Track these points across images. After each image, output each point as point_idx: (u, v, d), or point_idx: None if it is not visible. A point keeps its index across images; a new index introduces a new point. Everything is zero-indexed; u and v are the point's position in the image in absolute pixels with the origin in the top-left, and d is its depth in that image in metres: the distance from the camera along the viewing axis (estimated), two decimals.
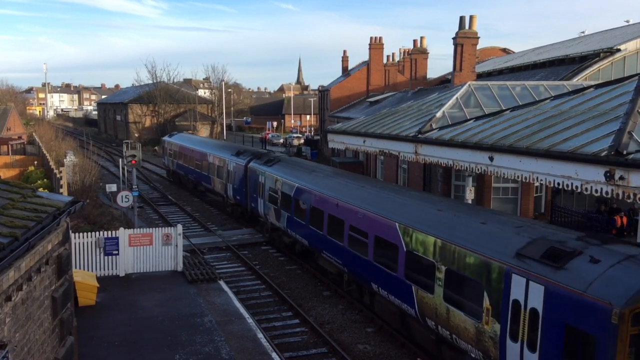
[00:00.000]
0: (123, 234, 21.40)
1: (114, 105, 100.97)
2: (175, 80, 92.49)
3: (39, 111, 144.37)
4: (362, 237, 17.84)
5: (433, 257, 14.11)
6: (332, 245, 20.18)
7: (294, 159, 29.83)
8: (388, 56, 61.48)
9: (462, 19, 31.16)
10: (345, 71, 68.68)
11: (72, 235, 19.35)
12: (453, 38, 31.66)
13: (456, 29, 31.40)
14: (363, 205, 18.16)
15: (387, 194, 18.54)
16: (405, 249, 15.34)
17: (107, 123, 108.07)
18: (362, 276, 18.36)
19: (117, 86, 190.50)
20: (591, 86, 16.38)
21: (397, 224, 15.86)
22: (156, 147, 77.07)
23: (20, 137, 59.32)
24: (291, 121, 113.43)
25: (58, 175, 30.77)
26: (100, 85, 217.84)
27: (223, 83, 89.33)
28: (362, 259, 17.85)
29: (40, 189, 13.97)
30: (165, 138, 51.20)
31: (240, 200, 31.49)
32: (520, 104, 19.52)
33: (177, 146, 45.65)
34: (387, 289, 16.59)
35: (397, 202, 17.33)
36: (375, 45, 58.66)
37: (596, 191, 10.81)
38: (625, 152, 10.39)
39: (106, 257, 21.17)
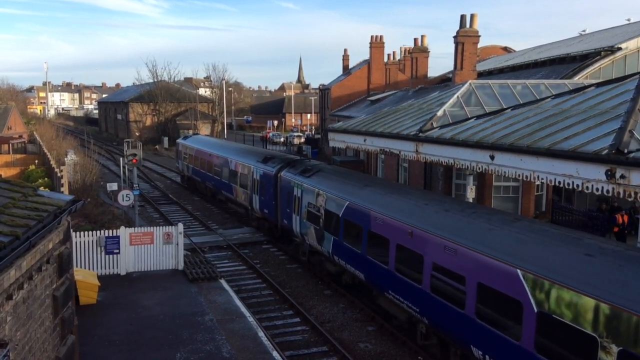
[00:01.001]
0: (124, 232, 21.42)
1: (114, 104, 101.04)
2: (176, 79, 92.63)
3: (40, 110, 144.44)
4: (454, 281, 13.71)
5: (593, 329, 9.97)
6: (402, 285, 16.04)
7: (337, 169, 25.79)
8: (389, 55, 61.44)
9: (462, 17, 31.13)
10: (346, 70, 68.66)
11: (73, 234, 19.36)
12: (454, 37, 31.63)
13: (457, 27, 31.37)
14: (457, 239, 13.80)
15: (488, 223, 13.84)
16: (535, 310, 11.16)
17: (107, 122, 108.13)
18: (454, 333, 14.14)
19: (117, 85, 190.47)
20: (592, 85, 16.37)
21: (520, 271, 11.58)
22: (157, 146, 77.16)
23: (21, 136, 59.35)
24: (292, 120, 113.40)
25: (59, 174, 30.79)
26: (101, 84, 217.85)
27: (224, 82, 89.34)
28: (456, 311, 13.64)
29: (41, 188, 13.98)
30: (180, 141, 46.92)
31: (268, 215, 27.66)
32: (521, 102, 19.51)
33: (193, 150, 41.39)
34: None
35: (512, 237, 12.78)
36: (376, 43, 58.61)
37: (597, 190, 10.81)
38: (626, 151, 10.38)
39: (107, 256, 21.19)
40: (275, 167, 27.09)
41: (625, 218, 24.13)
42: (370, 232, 17.67)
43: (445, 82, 45.26)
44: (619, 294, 9.75)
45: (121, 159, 36.65)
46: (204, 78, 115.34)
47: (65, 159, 40.68)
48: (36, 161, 43.59)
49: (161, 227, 22.29)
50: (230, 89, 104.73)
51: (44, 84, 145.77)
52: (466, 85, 22.81)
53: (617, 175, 10.30)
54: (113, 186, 30.82)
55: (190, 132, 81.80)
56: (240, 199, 31.72)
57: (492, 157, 14.33)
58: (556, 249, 11.65)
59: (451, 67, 34.92)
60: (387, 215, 16.93)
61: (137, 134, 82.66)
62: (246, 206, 31.07)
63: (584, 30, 48.03)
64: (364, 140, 22.05)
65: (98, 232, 21.36)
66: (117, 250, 21.22)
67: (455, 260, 13.62)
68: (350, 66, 68.79)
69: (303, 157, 54.40)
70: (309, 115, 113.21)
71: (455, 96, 21.69)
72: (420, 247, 15.02)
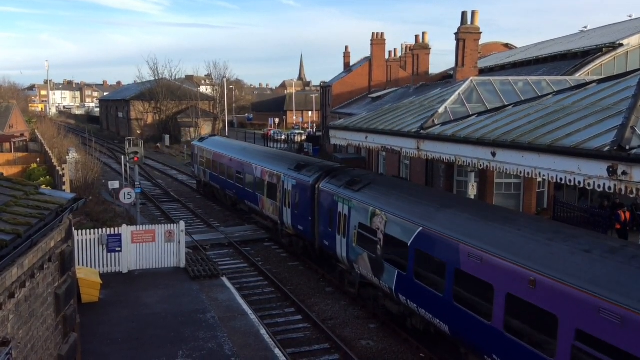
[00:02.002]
0: (126, 230, 21.44)
1: (116, 102, 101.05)
2: (177, 77, 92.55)
3: (41, 108, 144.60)
4: None
5: None
6: (518, 353, 11.76)
7: (392, 181, 21.17)
8: (390, 52, 61.43)
9: (464, 14, 31.07)
10: (347, 67, 68.60)
11: (74, 232, 19.37)
12: (455, 33, 31.57)
13: (458, 24, 31.32)
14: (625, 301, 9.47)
15: None
16: None
17: (109, 120, 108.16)
18: None
19: (119, 83, 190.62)
20: (593, 81, 16.33)
21: None
22: (158, 144, 77.17)
23: (22, 135, 59.35)
24: (293, 118, 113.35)
25: (60, 173, 30.80)
26: (102, 82, 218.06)
27: (225, 80, 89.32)
28: None
29: (43, 186, 13.99)
30: (195, 143, 42.64)
31: (303, 233, 23.90)
32: (523, 99, 19.47)
33: (210, 153, 37.46)
34: None
35: None
36: (377, 41, 58.55)
37: (599, 186, 10.79)
38: (628, 147, 10.36)
39: (109, 254, 21.23)
40: (311, 176, 23.23)
41: (627, 215, 24.10)
42: (460, 272, 13.59)
43: (447, 79, 45.22)
44: None
45: (123, 157, 36.66)
46: (205, 76, 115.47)
47: (67, 157, 40.69)
48: (38, 159, 43.60)
49: (163, 225, 22.31)
50: (231, 86, 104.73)
51: (46, 82, 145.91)
52: (467, 82, 22.77)
53: (619, 171, 10.28)
54: (115, 184, 30.83)
55: (195, 130, 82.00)
56: (268, 211, 27.68)
57: (493, 154, 14.31)
58: None
59: (452, 64, 34.88)
60: (488, 251, 12.73)
61: (138, 132, 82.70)
62: (275, 220, 26.96)
63: (585, 27, 47.93)
64: (365, 138, 22.01)
65: (100, 230, 21.39)
66: (119, 248, 21.25)
67: (627, 334, 9.21)
68: (352, 63, 68.72)
69: (305, 154, 54.32)
70: (310, 112, 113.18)
71: (457, 93, 21.66)
72: (554, 304, 10.74)
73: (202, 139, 42.36)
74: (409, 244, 15.74)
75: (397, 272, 16.43)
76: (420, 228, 15.32)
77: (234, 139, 47.55)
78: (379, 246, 17.49)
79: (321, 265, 23.36)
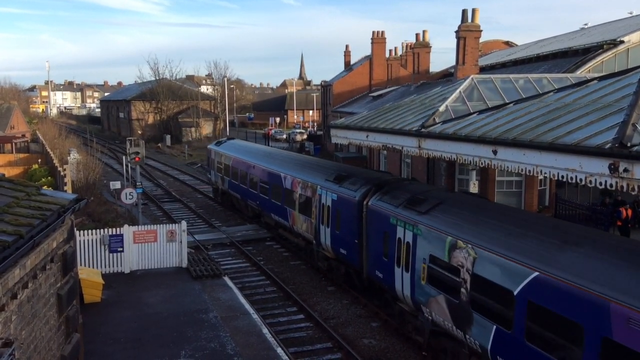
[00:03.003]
0: (127, 231, 21.46)
1: (116, 103, 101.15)
2: (177, 77, 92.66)
3: (42, 109, 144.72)
4: None
5: None
6: None
7: (472, 200, 16.81)
8: (390, 50, 61.40)
9: (464, 12, 31.06)
10: (348, 66, 68.59)
11: (76, 232, 19.40)
12: (456, 31, 31.56)
13: (458, 22, 31.32)
14: None
15: None
16: None
17: (110, 120, 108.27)
18: None
19: (119, 83, 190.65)
20: (594, 78, 16.30)
21: None
22: (159, 144, 77.22)
23: (23, 135, 59.46)
24: (294, 117, 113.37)
25: (62, 173, 30.84)
26: (102, 83, 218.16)
27: (225, 79, 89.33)
28: None
29: (44, 187, 14.01)
30: (212, 147, 38.71)
31: (347, 258, 20.21)
32: (524, 97, 19.44)
33: (229, 159, 34.04)
34: None
35: None
36: (378, 39, 58.53)
37: (600, 184, 10.77)
38: (629, 144, 10.34)
39: (111, 254, 21.26)
40: (357, 190, 19.66)
41: (629, 212, 24.09)
42: (610, 343, 9.66)
43: (447, 77, 45.20)
44: None
45: (124, 157, 36.70)
46: (206, 75, 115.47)
47: (68, 157, 40.77)
48: (39, 160, 43.69)
49: (164, 225, 22.34)
50: (232, 86, 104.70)
51: (46, 82, 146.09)
52: (468, 80, 22.76)
53: (621, 168, 10.26)
54: (116, 184, 30.88)
55: (196, 130, 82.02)
56: (300, 228, 23.99)
57: (494, 152, 14.29)
58: None
59: (453, 62, 34.86)
60: None
61: (139, 132, 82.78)
62: (308, 239, 23.38)
63: (586, 24, 47.89)
64: (366, 137, 21.98)
65: (102, 230, 21.42)
66: (121, 249, 21.28)
67: None
68: (352, 62, 68.73)
69: (305, 153, 53.59)
70: (311, 111, 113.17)
71: (458, 91, 21.65)
72: None
73: (219, 143, 38.57)
74: (515, 293, 11.80)
75: (494, 327, 12.48)
76: (536, 273, 11.41)
77: (255, 143, 41.86)
78: (463, 289, 13.39)
79: (370, 297, 19.64)
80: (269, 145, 64.94)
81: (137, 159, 26.94)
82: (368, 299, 19.60)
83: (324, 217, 21.63)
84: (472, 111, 18.87)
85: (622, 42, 32.84)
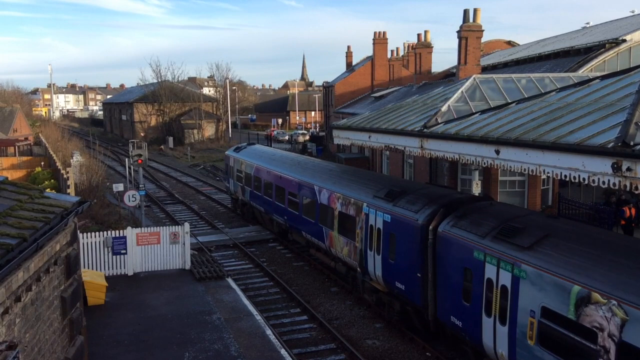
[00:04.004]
0: (131, 233, 21.49)
1: (119, 105, 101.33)
2: (179, 79, 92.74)
3: (45, 112, 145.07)
4: None
5: None
6: None
7: (590, 231, 13.34)
8: (392, 51, 61.37)
9: (466, 12, 31.06)
10: (350, 67, 68.62)
11: (80, 235, 19.45)
12: (457, 31, 31.55)
13: (460, 22, 31.32)
14: None
15: None
16: None
17: (112, 123, 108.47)
18: None
19: (122, 86, 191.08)
20: (597, 77, 16.27)
21: None
22: (162, 146, 77.32)
23: (26, 138, 59.59)
24: (296, 118, 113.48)
25: (65, 176, 30.88)
26: (105, 85, 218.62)
27: (227, 81, 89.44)
28: None
29: (48, 190, 14.04)
30: (231, 153, 35.22)
31: (405, 294, 16.51)
32: (526, 96, 19.43)
33: (250, 166, 30.77)
34: None
35: None
36: (379, 40, 58.53)
37: (603, 183, 10.75)
38: (632, 143, 10.32)
39: (114, 257, 21.28)
40: (420, 212, 15.99)
41: (633, 211, 24.05)
42: None
43: (449, 77, 45.18)
44: None
45: (127, 159, 36.76)
46: (208, 77, 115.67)
47: (71, 160, 40.81)
48: (42, 163, 43.75)
49: (168, 227, 22.36)
50: (234, 87, 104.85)
51: (49, 85, 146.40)
52: (470, 80, 22.75)
53: (624, 168, 10.24)
54: (119, 187, 30.92)
55: (199, 132, 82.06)
56: (340, 252, 20.59)
57: (497, 152, 14.28)
58: None
59: (455, 62, 34.84)
60: None
61: (142, 134, 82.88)
62: (351, 265, 19.99)
63: (587, 23, 47.80)
64: (369, 137, 21.98)
65: (105, 232, 21.44)
66: (124, 251, 21.30)
67: None
68: (354, 63, 68.75)
69: (308, 153, 52.92)
70: (313, 112, 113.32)
71: (460, 91, 21.64)
72: None
73: (238, 149, 34.86)
74: None
75: None
76: None
77: (279, 149, 38.19)
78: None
79: (434, 344, 16.29)
80: (271, 146, 64.85)
81: (139, 161, 26.97)
82: (432, 344, 16.24)
83: (373, 242, 18.03)
84: (474, 111, 18.85)
85: (624, 40, 32.81)
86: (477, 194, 20.05)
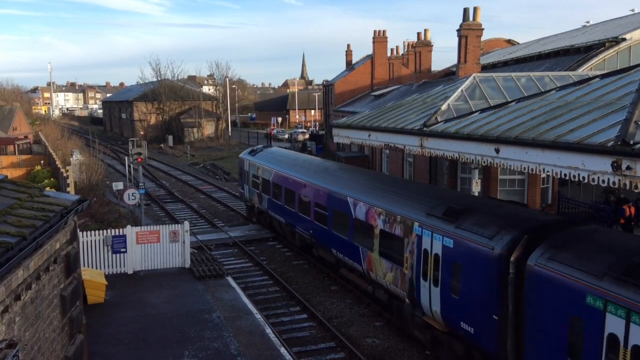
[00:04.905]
0: (130, 231, 21.49)
1: (119, 104, 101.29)
2: (179, 78, 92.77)
3: (45, 110, 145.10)
4: None
5: None
6: None
7: None
8: (392, 49, 61.36)
9: (466, 10, 31.04)
10: (349, 65, 68.60)
11: (79, 233, 19.45)
12: (457, 30, 31.54)
13: (460, 20, 31.30)
14: None
15: None
16: None
17: (112, 121, 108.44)
18: None
19: (121, 84, 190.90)
20: (597, 76, 16.27)
21: None
22: (162, 145, 77.29)
23: (26, 137, 59.58)
24: (296, 116, 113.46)
25: (64, 174, 30.88)
26: (105, 84, 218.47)
27: (227, 79, 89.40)
28: None
29: (47, 188, 14.03)
30: (245, 156, 32.23)
31: (475, 339, 13.53)
32: (526, 95, 19.43)
33: (268, 172, 27.85)
34: None
35: None
36: (379, 38, 58.51)
37: (603, 182, 10.76)
38: (631, 142, 10.32)
39: (114, 255, 21.29)
40: (496, 238, 12.91)
41: (632, 210, 24.06)
42: None
43: (449, 75, 45.16)
44: None
45: (126, 158, 36.75)
46: (208, 76, 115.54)
47: (71, 158, 40.81)
48: (42, 161, 43.74)
49: (167, 226, 22.36)
50: (233, 86, 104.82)
51: (49, 84, 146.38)
52: (470, 79, 22.75)
53: (623, 166, 10.24)
54: (119, 185, 30.92)
55: (199, 130, 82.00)
56: (382, 277, 17.55)
57: (497, 151, 14.29)
58: None
59: (454, 61, 34.84)
60: None
61: (141, 132, 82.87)
62: (397, 294, 16.95)
63: (587, 22, 47.83)
64: (368, 136, 21.99)
65: (105, 231, 21.45)
66: (124, 249, 21.31)
67: None
68: (354, 61, 68.74)
69: (307, 152, 52.50)
70: (312, 111, 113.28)
71: (459, 90, 21.64)
72: None
73: (253, 152, 32.02)
74: None
75: None
76: None
77: (300, 153, 34.40)
78: None
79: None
80: (271, 144, 64.71)
81: (139, 159, 26.96)
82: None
83: (428, 270, 15.01)
84: (474, 110, 18.85)
85: (624, 39, 32.80)
86: (514, 200, 18.59)
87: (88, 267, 20.43)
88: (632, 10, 44.21)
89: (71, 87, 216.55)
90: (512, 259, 12.20)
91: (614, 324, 9.92)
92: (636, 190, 10.19)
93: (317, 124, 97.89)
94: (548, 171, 12.61)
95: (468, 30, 30.97)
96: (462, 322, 13.78)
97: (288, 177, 25.36)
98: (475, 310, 13.30)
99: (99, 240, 21.07)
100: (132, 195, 25.98)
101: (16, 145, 51.55)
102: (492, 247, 12.74)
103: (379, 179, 20.99)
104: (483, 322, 13.10)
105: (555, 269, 11.12)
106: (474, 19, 30.94)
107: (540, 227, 12.81)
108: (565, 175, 11.87)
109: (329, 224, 21.10)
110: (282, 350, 15.12)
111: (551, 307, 11.21)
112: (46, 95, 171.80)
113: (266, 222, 29.61)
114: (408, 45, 65.35)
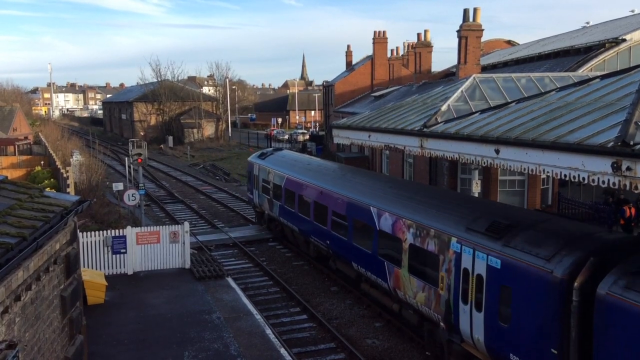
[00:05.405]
0: (130, 232, 21.49)
1: (119, 104, 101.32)
2: (179, 78, 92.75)
3: (45, 111, 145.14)
4: None
5: None
6: None
7: None
8: (392, 50, 61.35)
9: (466, 11, 31.06)
10: (349, 66, 68.61)
11: (79, 234, 19.44)
12: (457, 31, 31.55)
13: (460, 21, 31.32)
14: None
15: None
16: None
17: (112, 122, 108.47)
18: None
19: (122, 85, 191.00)
20: (597, 77, 16.27)
21: None
22: (162, 146, 77.30)
23: (26, 138, 59.58)
24: (296, 117, 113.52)
25: (64, 175, 30.87)
26: (105, 85, 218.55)
27: (227, 80, 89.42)
28: None
29: (47, 189, 14.04)
30: (254, 160, 30.70)
31: None
32: (526, 95, 19.43)
33: (280, 177, 26.30)
34: None
35: None
36: (379, 39, 58.53)
37: (603, 182, 10.75)
38: (632, 143, 10.32)
39: (114, 256, 21.29)
40: (556, 260, 11.30)
41: (633, 210, 24.06)
42: None
43: (449, 76, 45.17)
44: None
45: (126, 158, 36.75)
46: (208, 76, 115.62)
47: (71, 159, 40.80)
48: (42, 162, 43.73)
49: (167, 226, 22.36)
50: (233, 87, 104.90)
51: (49, 85, 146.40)
52: (470, 80, 22.75)
53: (623, 167, 10.24)
54: (119, 186, 30.91)
55: (199, 131, 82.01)
56: (412, 297, 15.85)
57: (497, 151, 14.28)
58: None
59: (455, 62, 34.84)
60: None
61: (141, 133, 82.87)
62: (430, 317, 15.22)
63: (587, 23, 47.86)
64: (368, 137, 21.98)
65: (105, 232, 21.44)
66: (124, 250, 21.31)
67: None
68: (354, 62, 68.75)
69: (307, 153, 52.19)
70: (312, 112, 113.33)
71: (459, 91, 21.65)
72: None
73: (263, 155, 30.40)
74: None
75: None
76: None
77: (315, 157, 32.52)
78: None
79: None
80: (271, 145, 64.51)
81: (139, 160, 26.96)
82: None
83: (470, 293, 13.37)
84: (474, 110, 18.85)
85: (624, 40, 32.83)
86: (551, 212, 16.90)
87: (88, 267, 20.43)
88: (632, 11, 44.24)
89: (71, 88, 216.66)
90: (575, 284, 10.58)
91: None
92: (636, 191, 10.19)
93: (317, 124, 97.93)
94: (548, 172, 12.61)
95: (468, 31, 30.99)
96: (511, 354, 12.15)
97: (302, 183, 23.80)
98: (529, 341, 11.66)
99: (99, 241, 21.07)
100: (132, 196, 25.97)
101: (16, 146, 51.55)
102: (551, 271, 11.12)
103: (405, 187, 19.24)
104: (539, 355, 11.47)
105: (634, 301, 9.45)
106: (474, 19, 30.96)
107: (609, 248, 11.27)
108: (565, 176, 11.87)
109: (349, 235, 19.39)
110: (282, 351, 15.11)
111: (632, 346, 9.55)
112: (46, 95, 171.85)
113: (277, 230, 28.16)
114: (408, 45, 65.37)
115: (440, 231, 14.44)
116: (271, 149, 33.15)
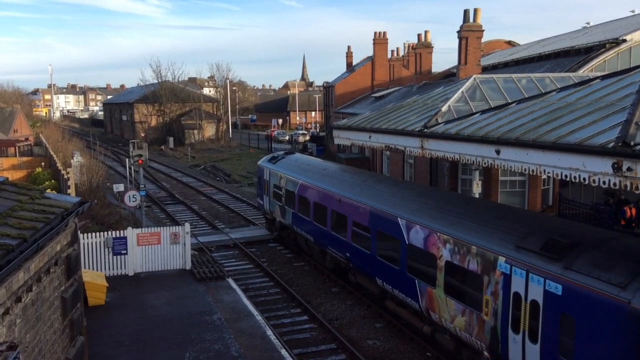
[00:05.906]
0: (131, 233, 21.49)
1: (119, 105, 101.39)
2: (180, 79, 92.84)
3: (45, 112, 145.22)
4: None
5: None
6: None
7: None
8: (392, 51, 61.39)
9: (466, 12, 31.08)
10: (350, 67, 68.63)
11: (80, 235, 19.45)
12: (457, 31, 31.56)
13: (460, 22, 31.33)
14: None
15: None
16: None
17: (113, 123, 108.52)
18: None
19: (122, 86, 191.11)
20: (597, 77, 16.27)
21: None
22: (162, 147, 77.34)
23: (27, 139, 59.59)
24: (296, 118, 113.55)
25: (65, 176, 30.88)
26: (105, 86, 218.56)
27: (228, 81, 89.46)
28: None
29: (48, 190, 14.04)
30: (264, 164, 28.95)
31: None
32: (526, 96, 19.44)
33: (293, 183, 24.69)
34: None
35: None
36: (380, 40, 58.54)
37: (604, 183, 10.75)
38: (632, 143, 10.32)
39: (115, 257, 21.29)
40: (633, 287, 9.78)
41: (633, 211, 24.05)
42: None
43: (450, 77, 45.19)
44: None
45: (127, 159, 36.74)
46: (208, 77, 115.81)
47: (72, 160, 40.80)
48: (42, 163, 43.73)
49: (168, 227, 22.36)
50: (234, 88, 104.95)
51: (49, 86, 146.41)
52: (470, 80, 22.76)
53: (624, 167, 10.23)
54: (119, 187, 30.91)
55: (199, 132, 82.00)
56: (449, 320, 14.33)
57: (497, 152, 14.28)
58: None
59: (455, 62, 34.85)
60: None
61: (142, 134, 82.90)
62: (471, 344, 13.68)
63: (588, 23, 47.85)
64: (369, 137, 21.98)
65: (105, 233, 21.44)
66: (125, 251, 21.31)
67: None
68: (354, 63, 68.78)
69: (308, 153, 51.93)
70: (313, 113, 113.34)
71: (460, 91, 21.65)
72: None
73: (274, 159, 28.66)
74: None
75: None
76: None
77: (330, 162, 30.92)
78: None
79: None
80: (271, 148, 64.42)
81: (140, 161, 26.97)
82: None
83: (521, 320, 11.87)
84: (474, 111, 18.86)
85: (624, 40, 32.82)
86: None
87: (89, 269, 20.44)
88: (633, 12, 44.24)
89: (72, 89, 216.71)
90: None
91: None
92: (637, 192, 10.19)
93: (317, 125, 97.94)
94: (549, 172, 12.61)
95: (468, 32, 31.01)
96: None
97: (318, 190, 22.20)
98: None
99: (100, 242, 21.07)
100: (133, 197, 25.97)
101: (17, 147, 51.56)
102: (628, 301, 9.62)
103: (433, 196, 17.44)
104: None
105: None
106: (474, 20, 30.98)
107: None
108: (566, 176, 11.86)
109: (373, 248, 17.90)
110: (283, 352, 15.11)
111: None
112: (47, 97, 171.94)
113: (290, 238, 26.64)
114: (408, 46, 65.39)
115: (484, 248, 12.88)
116: (282, 152, 31.02)
